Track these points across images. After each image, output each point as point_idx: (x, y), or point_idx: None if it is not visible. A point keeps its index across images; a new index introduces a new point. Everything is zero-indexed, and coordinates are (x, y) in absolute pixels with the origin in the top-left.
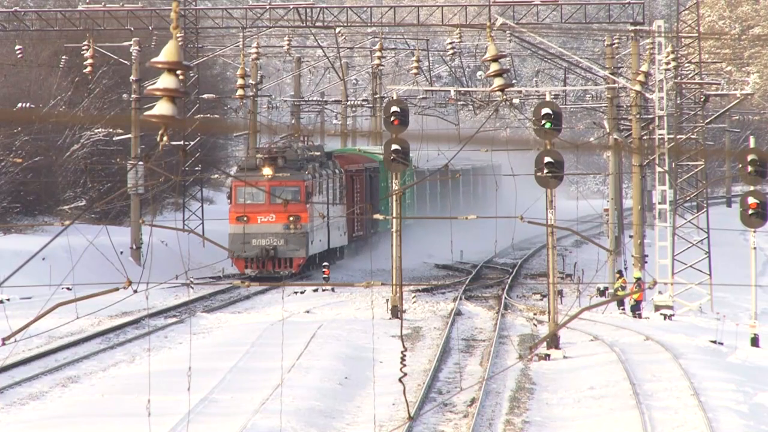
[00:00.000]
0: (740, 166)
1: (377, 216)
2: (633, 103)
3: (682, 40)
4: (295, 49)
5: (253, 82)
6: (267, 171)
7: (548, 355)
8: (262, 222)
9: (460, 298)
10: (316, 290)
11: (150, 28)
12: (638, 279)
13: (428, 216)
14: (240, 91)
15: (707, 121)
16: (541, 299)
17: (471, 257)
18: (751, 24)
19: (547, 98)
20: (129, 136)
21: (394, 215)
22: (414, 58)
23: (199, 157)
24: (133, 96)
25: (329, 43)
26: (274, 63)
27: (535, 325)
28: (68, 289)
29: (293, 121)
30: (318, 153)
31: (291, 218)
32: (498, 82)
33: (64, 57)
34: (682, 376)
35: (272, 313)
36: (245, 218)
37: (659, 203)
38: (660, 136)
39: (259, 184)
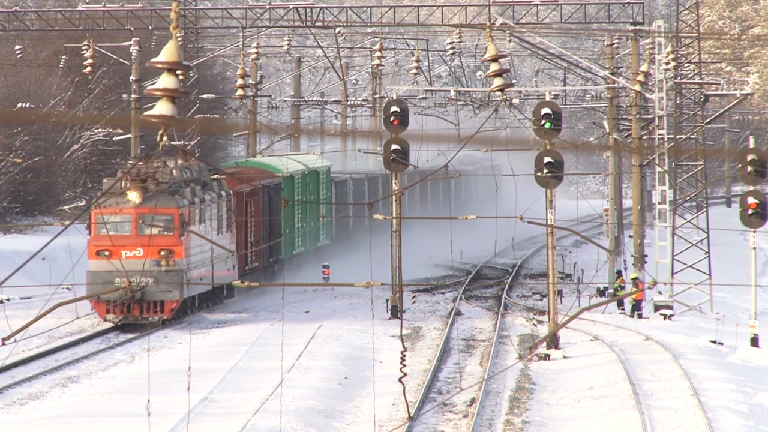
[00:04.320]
0: (740, 166)
1: (377, 216)
2: (633, 103)
3: (682, 40)
4: (295, 49)
5: (253, 82)
6: (133, 196)
7: (548, 355)
8: (127, 257)
9: (460, 298)
10: (315, 290)
11: (150, 28)
12: (635, 279)
13: (428, 216)
14: (240, 91)
15: (707, 121)
16: (541, 299)
17: (471, 258)
18: (751, 24)
19: (547, 98)
20: (129, 136)
21: (394, 215)
22: (414, 58)
23: (199, 157)
24: (133, 96)
25: (329, 43)
26: (274, 63)
27: (535, 325)
28: (68, 289)
29: (294, 120)
30: (199, 173)
31: (162, 253)
32: (498, 82)
33: (64, 57)
34: (682, 376)
35: (272, 313)
36: (107, 253)
37: (659, 203)
38: (660, 136)
39: (124, 212)
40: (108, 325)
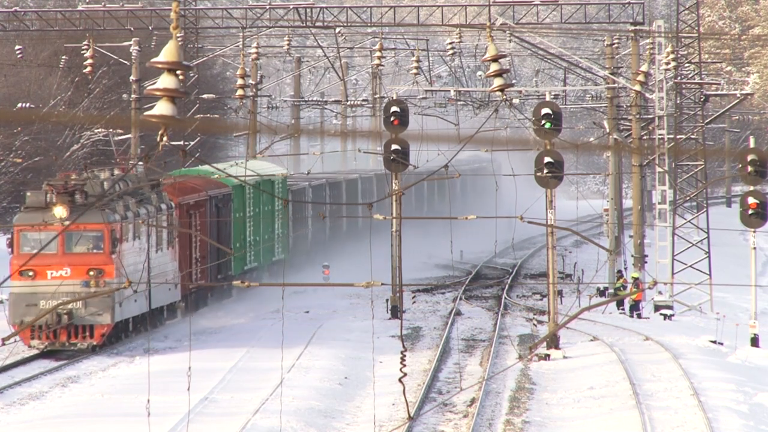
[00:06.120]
0: (740, 166)
1: (377, 216)
2: (633, 103)
3: (682, 40)
4: (295, 49)
5: (253, 82)
6: (60, 211)
7: (548, 355)
8: (53, 277)
9: (460, 298)
10: (315, 290)
11: (150, 28)
12: (636, 279)
13: (426, 216)
14: (240, 91)
15: (707, 121)
16: (541, 299)
17: (471, 258)
18: (751, 24)
19: (547, 98)
20: (129, 136)
21: (394, 215)
22: (414, 58)
23: (200, 157)
24: (133, 96)
25: (329, 43)
26: (274, 63)
27: (535, 325)
28: None
29: (294, 120)
30: (136, 184)
31: (91, 273)
32: (498, 82)
33: (64, 57)
34: (682, 376)
35: (272, 312)
36: (31, 273)
37: (659, 203)
38: (660, 136)
39: (49, 229)
40: None
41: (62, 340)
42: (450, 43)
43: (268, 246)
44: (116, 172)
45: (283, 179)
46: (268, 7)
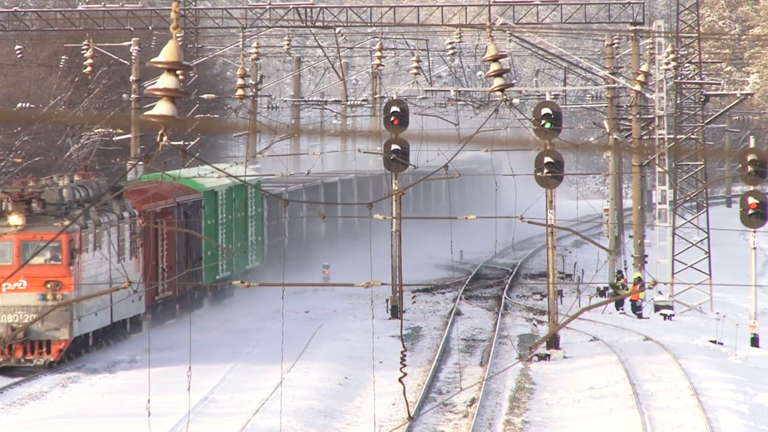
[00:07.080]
0: (740, 166)
1: (377, 216)
2: (633, 103)
3: (682, 40)
4: (295, 49)
5: (253, 82)
6: (15, 219)
7: (548, 355)
8: (8, 290)
9: (460, 298)
10: (315, 290)
11: (150, 28)
12: (638, 278)
13: (426, 216)
14: (240, 91)
15: (707, 121)
16: (541, 299)
17: (471, 258)
18: (751, 24)
19: (547, 98)
20: (129, 136)
21: (394, 215)
22: (414, 58)
23: (199, 157)
24: (133, 96)
25: (329, 43)
26: (274, 63)
27: (535, 325)
28: None
29: (294, 120)
30: (97, 191)
31: (48, 285)
32: (498, 82)
33: (64, 57)
34: (682, 376)
35: (272, 313)
36: None
37: (659, 203)
38: (660, 136)
39: (4, 238)
40: None
41: (18, 356)
42: (450, 43)
43: (241, 253)
44: (76, 178)
45: (257, 184)
46: (268, 7)
